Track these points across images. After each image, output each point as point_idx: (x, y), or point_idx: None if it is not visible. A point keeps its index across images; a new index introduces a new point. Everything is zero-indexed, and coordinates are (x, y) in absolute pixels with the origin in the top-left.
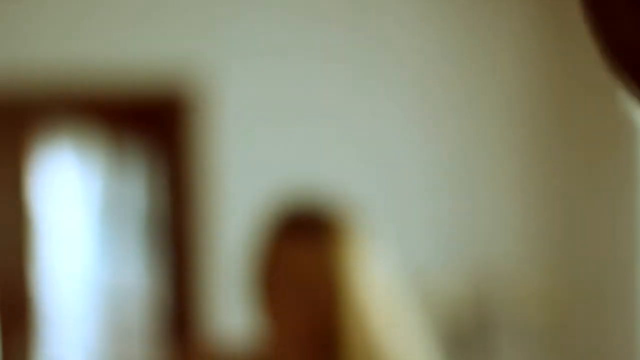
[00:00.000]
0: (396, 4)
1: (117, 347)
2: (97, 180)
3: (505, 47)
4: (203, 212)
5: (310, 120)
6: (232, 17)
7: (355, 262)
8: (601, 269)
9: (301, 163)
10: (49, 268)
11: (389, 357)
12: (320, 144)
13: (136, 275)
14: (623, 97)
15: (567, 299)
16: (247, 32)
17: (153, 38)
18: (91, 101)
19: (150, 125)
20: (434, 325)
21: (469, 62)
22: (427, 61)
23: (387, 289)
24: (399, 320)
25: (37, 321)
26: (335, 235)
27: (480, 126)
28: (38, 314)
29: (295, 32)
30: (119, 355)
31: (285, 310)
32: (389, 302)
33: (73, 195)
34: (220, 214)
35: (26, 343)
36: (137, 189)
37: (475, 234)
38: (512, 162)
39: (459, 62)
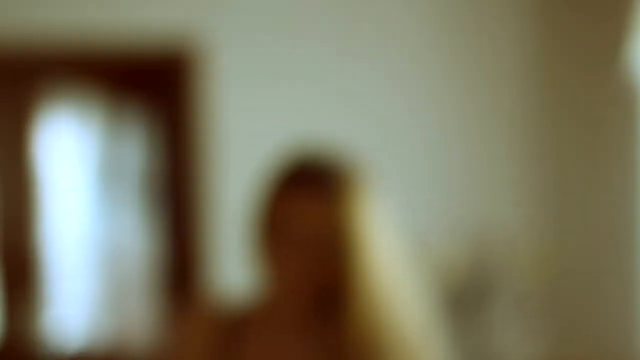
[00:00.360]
0: None
1: (117, 303)
2: (96, 140)
3: (506, 14)
4: (202, 171)
5: (310, 78)
6: None
7: (363, 213)
8: (597, 234)
9: (301, 122)
10: (52, 225)
11: (393, 312)
12: (320, 103)
13: (135, 235)
14: (623, 68)
15: (563, 263)
16: None
17: None
18: (91, 61)
19: (149, 84)
20: (433, 287)
21: (470, 29)
22: (427, 25)
23: (393, 243)
24: (403, 275)
25: (40, 277)
26: (343, 186)
27: (481, 92)
28: (41, 270)
29: None
30: (120, 311)
31: (289, 262)
32: (395, 256)
33: (72, 155)
34: (220, 172)
35: (29, 298)
36: (136, 148)
37: (473, 199)
38: (512, 128)
39: (460, 29)
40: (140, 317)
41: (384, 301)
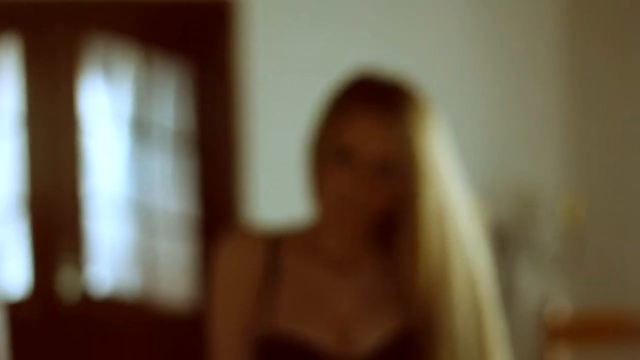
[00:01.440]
0: None
1: (149, 255)
2: (129, 92)
3: None
4: (239, 123)
5: (350, 16)
6: None
7: (430, 137)
8: (631, 187)
9: (341, 67)
10: (89, 176)
11: (456, 244)
12: (361, 42)
13: (169, 186)
14: None
15: (595, 216)
16: None
17: None
18: (125, 11)
19: (184, 34)
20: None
21: None
22: None
23: (455, 172)
24: (463, 205)
25: (74, 227)
26: (411, 105)
27: (525, 52)
28: (76, 220)
29: None
30: (151, 262)
31: (344, 187)
32: (457, 185)
33: (107, 107)
34: (257, 126)
35: (62, 247)
36: (171, 99)
37: (511, 152)
38: (554, 88)
39: None
40: (170, 270)
41: (449, 232)
